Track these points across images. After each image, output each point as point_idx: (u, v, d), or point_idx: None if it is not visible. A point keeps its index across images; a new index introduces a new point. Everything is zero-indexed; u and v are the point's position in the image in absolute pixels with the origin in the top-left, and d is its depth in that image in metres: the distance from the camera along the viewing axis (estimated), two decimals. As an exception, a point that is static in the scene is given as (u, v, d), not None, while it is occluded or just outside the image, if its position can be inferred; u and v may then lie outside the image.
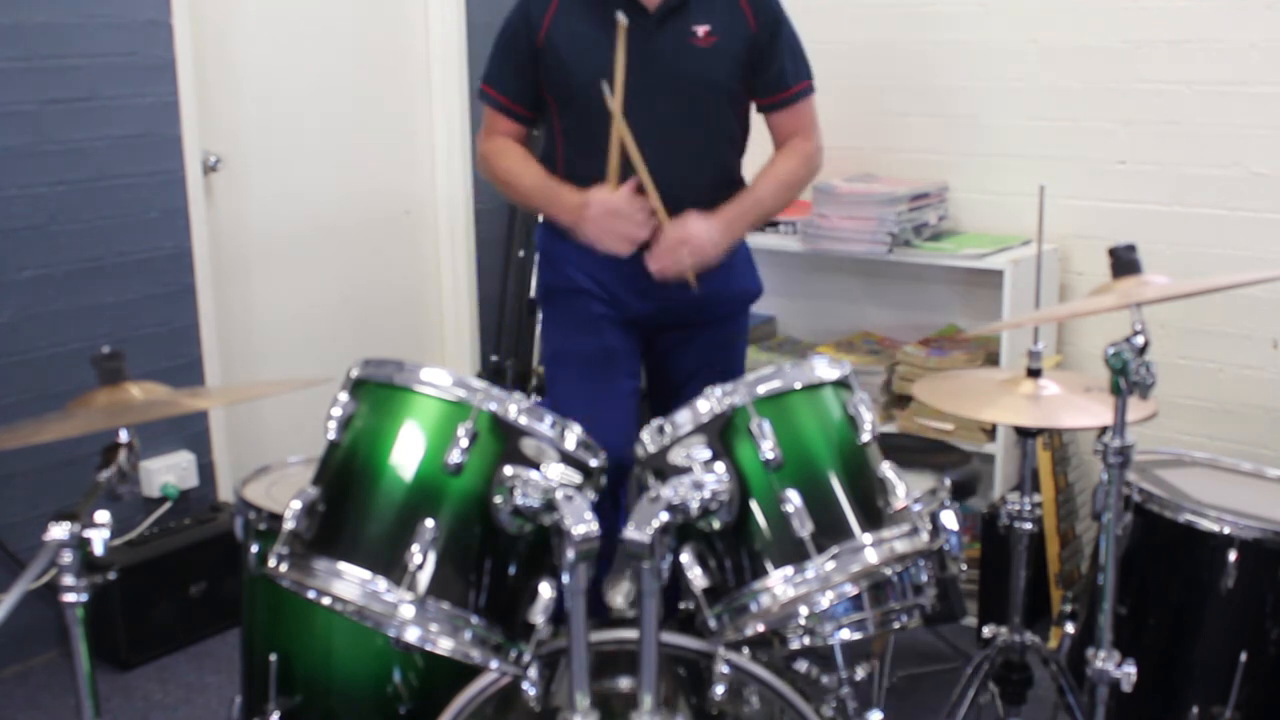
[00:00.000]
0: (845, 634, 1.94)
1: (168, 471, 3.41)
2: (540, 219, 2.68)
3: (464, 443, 1.58)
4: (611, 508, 2.57)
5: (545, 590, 1.64)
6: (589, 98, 2.44)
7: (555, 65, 2.50)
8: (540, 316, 2.76)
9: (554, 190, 2.50)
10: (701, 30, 2.49)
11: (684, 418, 1.69)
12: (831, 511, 1.65)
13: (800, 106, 2.61)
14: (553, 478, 1.61)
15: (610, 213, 2.40)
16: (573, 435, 1.66)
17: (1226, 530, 2.23)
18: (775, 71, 2.57)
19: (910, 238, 3.36)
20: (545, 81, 2.53)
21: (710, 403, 1.68)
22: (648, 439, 1.73)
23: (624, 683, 1.77)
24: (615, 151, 2.42)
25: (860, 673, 2.17)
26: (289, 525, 1.62)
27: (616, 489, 2.59)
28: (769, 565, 1.63)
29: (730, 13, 2.52)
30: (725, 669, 1.74)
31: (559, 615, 1.63)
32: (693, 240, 2.43)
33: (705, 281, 2.50)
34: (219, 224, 3.56)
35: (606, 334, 2.57)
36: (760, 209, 2.58)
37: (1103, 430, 1.90)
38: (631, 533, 1.53)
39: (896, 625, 1.99)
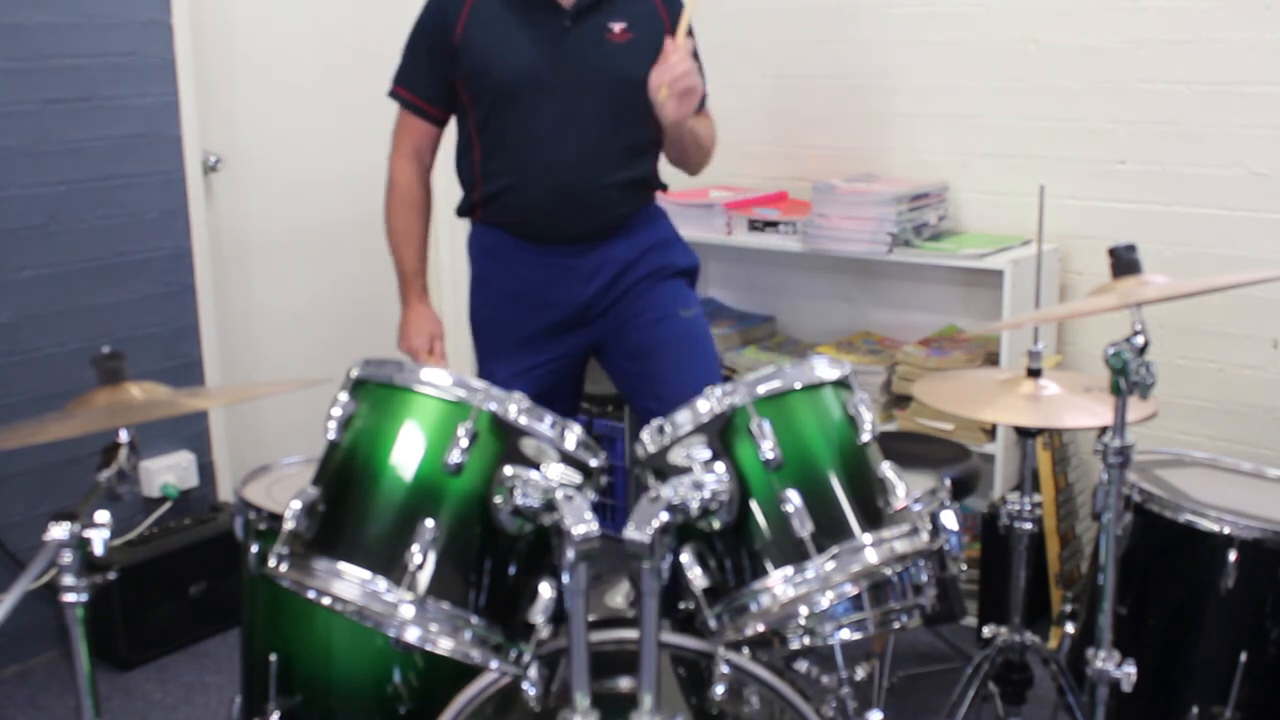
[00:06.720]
0: (845, 634, 1.94)
1: (168, 471, 3.41)
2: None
3: (464, 443, 1.58)
4: None
5: (545, 590, 1.64)
6: (506, 93, 2.48)
7: (472, 60, 2.50)
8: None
9: (409, 273, 2.64)
10: (618, 27, 2.51)
11: (684, 418, 1.69)
12: (831, 511, 1.64)
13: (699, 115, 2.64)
14: (553, 478, 1.61)
15: (412, 333, 2.63)
16: (573, 435, 1.66)
17: (1226, 530, 2.23)
18: None
19: (910, 238, 3.36)
20: (461, 77, 2.53)
21: (710, 402, 1.67)
22: (648, 439, 1.72)
23: (624, 683, 1.77)
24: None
25: (860, 673, 2.17)
26: (289, 525, 1.62)
27: None
28: (769, 565, 1.63)
29: (646, 11, 2.55)
30: (725, 669, 1.74)
31: (559, 615, 1.63)
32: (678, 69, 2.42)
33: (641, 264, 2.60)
34: (219, 224, 3.56)
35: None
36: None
37: (1103, 430, 1.90)
38: (631, 533, 1.53)
39: (896, 625, 1.99)
